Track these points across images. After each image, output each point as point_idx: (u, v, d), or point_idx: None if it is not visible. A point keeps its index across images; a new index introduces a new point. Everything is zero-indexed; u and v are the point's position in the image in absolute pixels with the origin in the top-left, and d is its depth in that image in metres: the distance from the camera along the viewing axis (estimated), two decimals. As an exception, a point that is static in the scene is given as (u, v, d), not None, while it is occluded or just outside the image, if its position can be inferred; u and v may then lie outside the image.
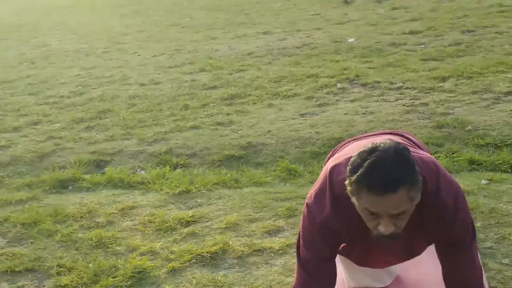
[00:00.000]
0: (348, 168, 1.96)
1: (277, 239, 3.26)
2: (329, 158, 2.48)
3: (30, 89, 6.71)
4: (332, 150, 2.61)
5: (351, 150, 2.14)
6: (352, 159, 1.97)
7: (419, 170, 1.99)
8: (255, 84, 6.13)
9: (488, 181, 3.69)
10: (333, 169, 2.20)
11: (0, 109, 6.07)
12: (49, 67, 7.62)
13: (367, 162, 1.91)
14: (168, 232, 3.47)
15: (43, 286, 3.06)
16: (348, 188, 1.98)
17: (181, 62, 7.31)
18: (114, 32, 9.45)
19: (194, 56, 7.51)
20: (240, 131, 4.92)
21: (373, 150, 1.93)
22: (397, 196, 1.90)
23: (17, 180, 4.45)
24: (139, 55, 7.91)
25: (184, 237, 3.40)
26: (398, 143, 1.99)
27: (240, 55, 7.38)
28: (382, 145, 1.94)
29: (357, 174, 1.91)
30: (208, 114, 5.39)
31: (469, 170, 3.92)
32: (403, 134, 2.55)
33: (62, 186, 4.26)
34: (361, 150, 1.95)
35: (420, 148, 2.45)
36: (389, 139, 2.04)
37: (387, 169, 1.89)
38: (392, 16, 8.69)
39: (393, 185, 1.88)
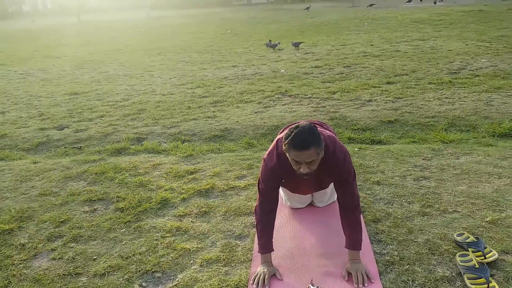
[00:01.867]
0: (284, 137, 2.06)
1: (243, 181, 3.30)
2: (276, 137, 2.53)
3: (97, 97, 6.59)
4: (280, 131, 2.65)
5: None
6: (286, 132, 2.07)
7: (323, 139, 2.08)
8: (228, 95, 6.14)
9: (358, 149, 3.79)
10: (278, 139, 2.29)
11: (81, 108, 5.96)
12: (109, 85, 7.48)
13: (293, 133, 2.01)
14: (180, 177, 3.48)
15: (108, 208, 3.06)
16: (284, 148, 2.07)
17: (186, 82, 7.25)
18: (146, 65, 9.30)
19: (193, 79, 7.46)
20: (220, 121, 4.94)
21: (296, 126, 2.03)
22: (309, 151, 2.00)
23: (91, 149, 4.40)
24: (161, 78, 7.81)
25: (189, 180, 3.41)
26: (311, 123, 2.09)
27: (220, 78, 7.35)
28: (301, 124, 2.04)
29: (288, 139, 2.00)
30: (202, 112, 5.39)
31: (348, 143, 4.01)
32: (320, 122, 2.63)
33: (118, 152, 4.22)
34: (290, 126, 2.05)
35: (327, 129, 2.54)
36: (307, 121, 2.13)
37: (303, 136, 1.99)
38: (304, 57, 8.73)
39: (307, 145, 1.98)
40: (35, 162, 4.05)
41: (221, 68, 8.27)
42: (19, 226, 2.86)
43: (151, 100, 6.15)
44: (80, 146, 4.49)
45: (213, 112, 5.34)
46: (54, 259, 2.49)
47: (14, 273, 2.37)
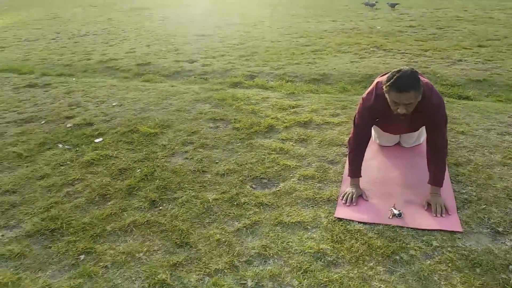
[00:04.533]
0: (386, 79, 1.95)
1: (337, 118, 3.21)
2: (374, 80, 2.37)
3: (219, 40, 6.66)
4: (380, 75, 2.46)
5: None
6: (388, 75, 1.95)
7: (421, 84, 1.93)
8: (328, 45, 5.87)
9: (446, 102, 3.46)
10: (378, 82, 2.17)
11: (206, 47, 6.08)
12: (228, 30, 7.51)
13: (395, 76, 1.88)
14: (284, 110, 3.46)
15: (228, 126, 3.15)
16: (385, 89, 1.95)
17: (291, 32, 7.05)
18: (259, 16, 9.16)
19: (297, 30, 7.22)
20: (319, 67, 4.78)
21: (399, 70, 1.91)
22: (409, 94, 1.87)
23: (214, 80, 4.50)
24: (271, 27, 7.65)
25: (291, 112, 3.39)
26: (412, 68, 1.94)
27: (320, 31, 7.03)
28: (404, 68, 1.91)
29: (390, 81, 1.89)
30: (304, 58, 5.24)
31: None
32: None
33: (235, 85, 4.29)
34: (393, 70, 1.93)
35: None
36: (408, 67, 1.98)
37: (404, 80, 1.87)
38: (400, 17, 7.99)
39: (407, 88, 1.86)
40: (172, 86, 4.29)
41: (322, 22, 7.90)
42: (161, 131, 3.10)
43: (261, 45, 6.10)
44: (206, 77, 4.64)
45: (313, 59, 5.18)
46: (186, 158, 2.68)
47: (158, 164, 2.60)
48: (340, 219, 1.97)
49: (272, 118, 3.27)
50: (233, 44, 6.25)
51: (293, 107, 3.52)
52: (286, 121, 3.22)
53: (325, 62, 4.97)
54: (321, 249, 1.77)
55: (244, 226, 1.94)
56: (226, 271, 1.67)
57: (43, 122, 3.39)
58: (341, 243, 1.80)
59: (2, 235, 2.00)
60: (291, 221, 1.96)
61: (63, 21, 9.81)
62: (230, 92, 3.97)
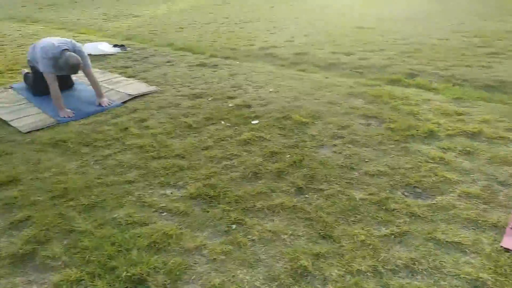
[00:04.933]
0: None
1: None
2: None
3: (379, 33, 6.35)
4: None
5: None
6: None
7: None
8: (509, 48, 5.06)
9: None
10: None
11: (365, 41, 5.90)
12: (391, 24, 7.10)
13: None
14: (447, 116, 3.15)
15: (381, 125, 3.01)
16: None
17: (463, 30, 6.27)
18: (429, 11, 8.39)
19: (471, 28, 6.38)
20: (495, 73, 4.18)
21: None
22: None
23: (370, 75, 4.30)
24: (439, 23, 6.96)
25: (456, 120, 3.06)
26: None
27: (500, 31, 6.07)
28: None
29: None
30: (476, 60, 4.65)
31: None
32: None
33: (392, 82, 4.03)
34: None
35: None
36: None
37: None
38: None
39: None
40: (326, 77, 4.30)
41: (504, 21, 6.85)
42: (312, 121, 3.16)
43: (427, 43, 5.62)
44: (362, 71, 4.51)
45: (489, 62, 4.54)
46: (334, 152, 2.68)
47: (307, 153, 2.66)
48: (507, 250, 1.72)
49: (433, 123, 3.01)
50: (394, 39, 5.91)
51: (460, 114, 3.18)
52: (449, 128, 2.92)
53: (503, 68, 4.31)
54: (480, 277, 1.58)
55: (392, 234, 1.85)
56: (369, 274, 1.63)
57: (210, 99, 3.80)
58: (506, 277, 1.58)
59: (171, 193, 2.33)
60: (446, 239, 1.79)
61: (232, 7, 10.73)
62: (386, 90, 3.79)
